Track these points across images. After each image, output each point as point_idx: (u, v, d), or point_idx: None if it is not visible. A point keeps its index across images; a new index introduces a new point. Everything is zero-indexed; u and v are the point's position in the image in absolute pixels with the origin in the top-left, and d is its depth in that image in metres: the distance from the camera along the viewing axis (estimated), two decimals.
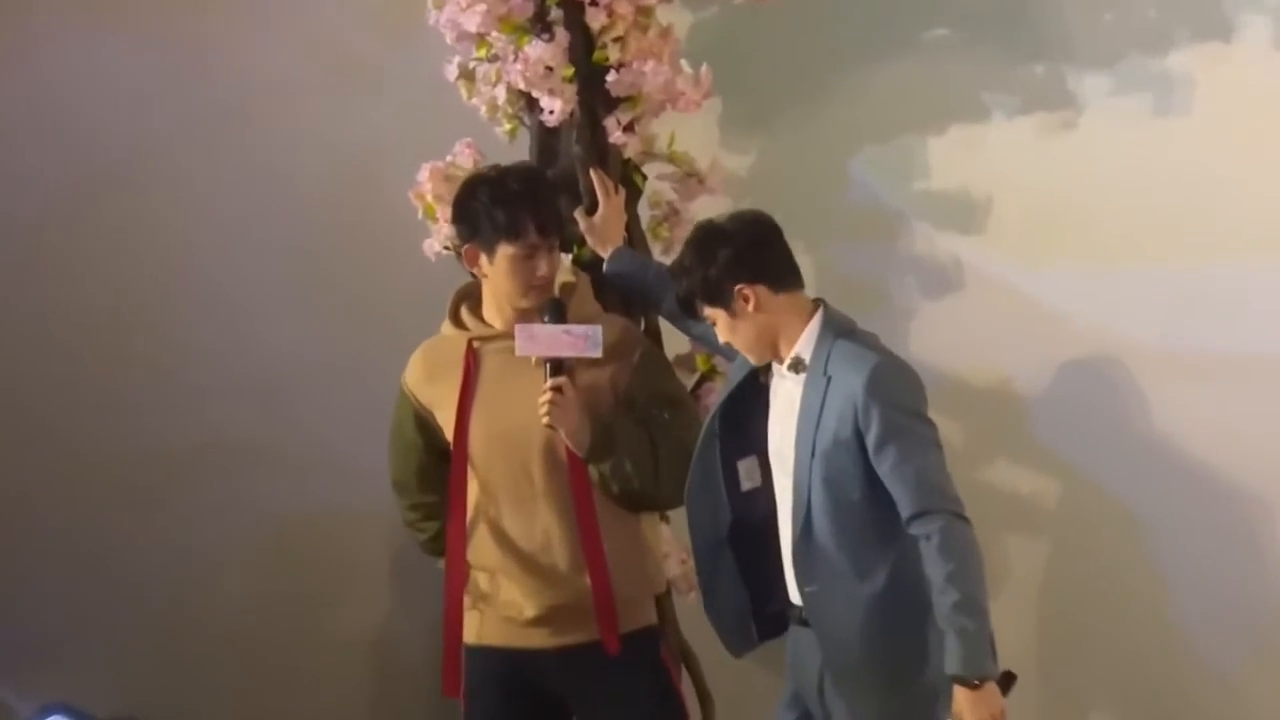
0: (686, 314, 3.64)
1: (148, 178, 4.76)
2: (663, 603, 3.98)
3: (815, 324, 3.50)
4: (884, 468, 3.39)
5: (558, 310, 3.71)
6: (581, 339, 3.64)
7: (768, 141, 4.71)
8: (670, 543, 4.09)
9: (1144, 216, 4.27)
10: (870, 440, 3.38)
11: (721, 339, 3.57)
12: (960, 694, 3.33)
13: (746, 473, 3.66)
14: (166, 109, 4.76)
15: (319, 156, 4.78)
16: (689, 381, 4.14)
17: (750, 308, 3.49)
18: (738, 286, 3.48)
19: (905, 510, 3.37)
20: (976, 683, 3.31)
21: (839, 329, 3.50)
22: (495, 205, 3.67)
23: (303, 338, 4.81)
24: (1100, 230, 4.32)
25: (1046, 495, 4.45)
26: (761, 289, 3.50)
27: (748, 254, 3.50)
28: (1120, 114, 4.29)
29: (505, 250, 3.68)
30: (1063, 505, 4.44)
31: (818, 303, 3.57)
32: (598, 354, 3.65)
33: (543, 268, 3.67)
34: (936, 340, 4.43)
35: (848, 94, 4.55)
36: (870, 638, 3.45)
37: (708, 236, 3.54)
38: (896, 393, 3.41)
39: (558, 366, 3.68)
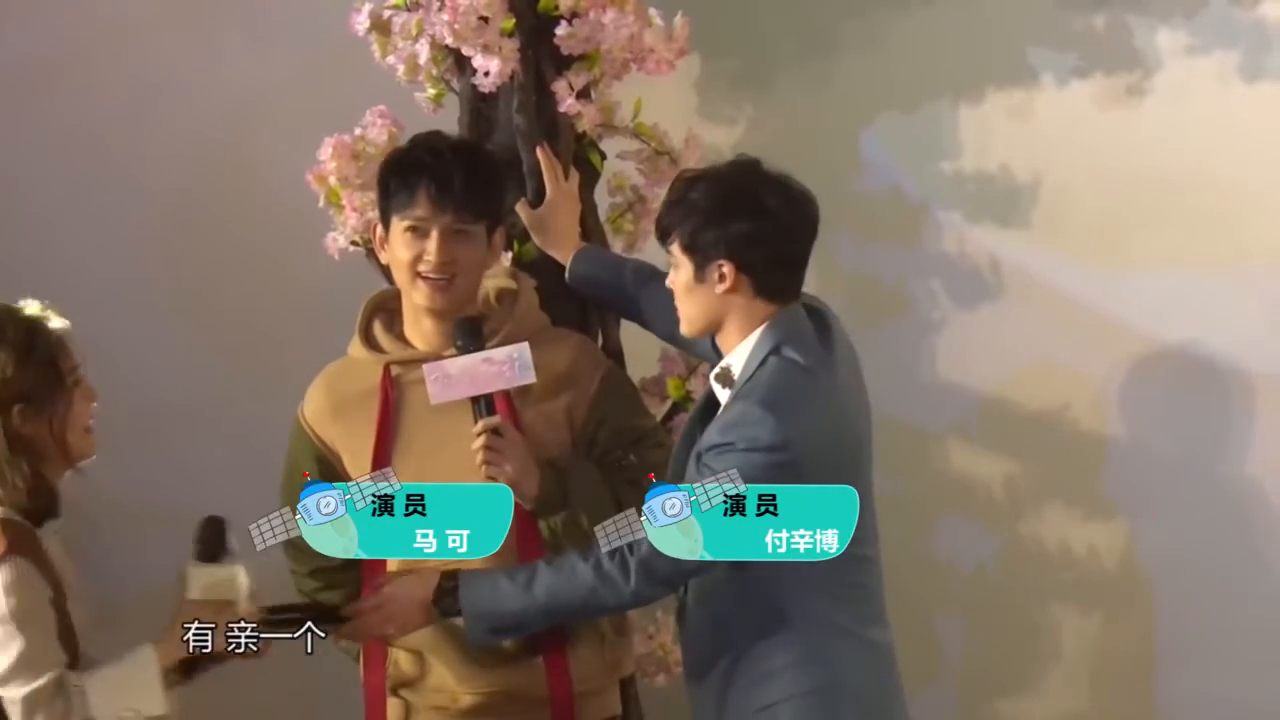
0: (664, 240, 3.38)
1: None
2: (626, 689, 3.77)
3: (760, 329, 3.26)
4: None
5: (470, 331, 3.51)
6: (506, 366, 3.42)
7: (758, 111, 4.58)
8: (634, 615, 3.81)
9: (1239, 203, 4.16)
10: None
11: (670, 282, 3.37)
12: (416, 582, 3.34)
13: None
14: None
15: (176, 126, 4.57)
16: (659, 411, 3.94)
17: (721, 289, 3.27)
18: (722, 262, 3.26)
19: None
20: (434, 598, 3.31)
21: (781, 337, 3.25)
22: (392, 169, 3.54)
23: (159, 366, 4.58)
24: (1183, 222, 4.21)
25: (1109, 557, 4.29)
26: (746, 282, 3.27)
27: (767, 243, 3.25)
28: (1203, 73, 4.20)
29: (396, 225, 3.51)
30: (1129, 570, 4.30)
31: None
32: (530, 379, 3.45)
33: (430, 251, 3.47)
34: (969, 360, 4.34)
35: (860, 49, 4.43)
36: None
37: (738, 192, 3.28)
38: (756, 440, 3.14)
39: (490, 401, 3.47)
